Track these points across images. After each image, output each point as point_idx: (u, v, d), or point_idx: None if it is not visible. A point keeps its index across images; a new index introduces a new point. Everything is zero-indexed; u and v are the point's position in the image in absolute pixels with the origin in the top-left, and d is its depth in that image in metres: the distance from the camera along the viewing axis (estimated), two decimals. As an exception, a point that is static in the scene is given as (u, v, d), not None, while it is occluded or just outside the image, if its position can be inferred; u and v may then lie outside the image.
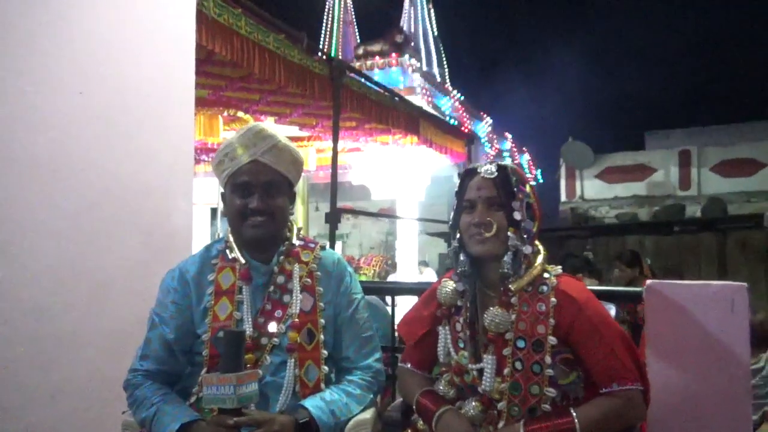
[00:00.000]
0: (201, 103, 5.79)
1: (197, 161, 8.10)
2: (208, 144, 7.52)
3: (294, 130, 7.37)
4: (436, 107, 10.09)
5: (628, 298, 2.23)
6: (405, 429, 1.76)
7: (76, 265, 2.33)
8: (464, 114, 11.18)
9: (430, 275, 10.43)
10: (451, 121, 9.52)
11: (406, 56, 10.06)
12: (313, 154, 8.70)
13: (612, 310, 1.90)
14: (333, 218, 5.04)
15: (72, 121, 2.33)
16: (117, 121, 2.51)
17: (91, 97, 2.40)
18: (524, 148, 14.71)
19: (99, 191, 2.42)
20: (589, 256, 8.19)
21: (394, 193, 9.84)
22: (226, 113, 6.67)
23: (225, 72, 5.03)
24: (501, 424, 1.60)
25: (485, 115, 12.42)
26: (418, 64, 10.45)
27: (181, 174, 2.82)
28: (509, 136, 13.35)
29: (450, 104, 10.85)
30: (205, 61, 4.36)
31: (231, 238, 1.79)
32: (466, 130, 9.79)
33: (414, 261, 9.87)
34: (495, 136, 12.49)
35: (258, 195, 1.70)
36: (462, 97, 11.53)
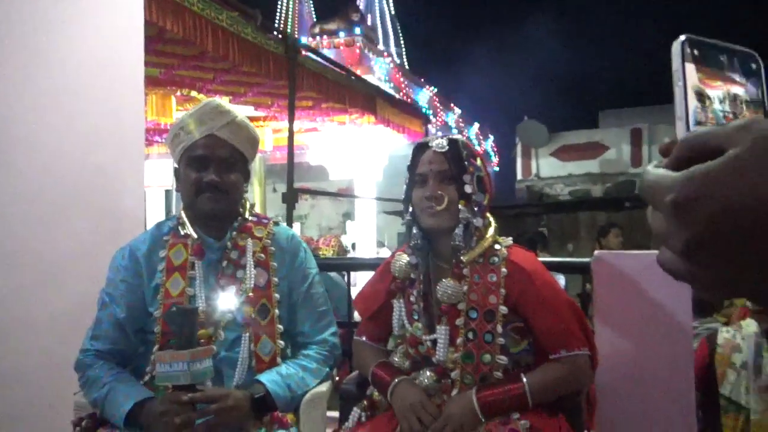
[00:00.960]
0: (153, 82, 5.66)
1: (150, 142, 7.94)
2: (161, 125, 7.37)
3: (249, 110, 7.28)
4: (414, 101, 9.93)
5: (575, 268, 2.29)
6: (361, 401, 1.79)
7: (25, 249, 2.28)
8: (402, 80, 10.95)
9: (386, 255, 10.47)
10: (388, 86, 9.37)
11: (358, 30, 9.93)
12: (270, 134, 8.60)
13: (561, 280, 1.95)
14: (290, 198, 5.02)
15: (15, 100, 2.26)
16: (62, 99, 2.44)
17: (35, 76, 2.33)
18: (488, 133, 14.74)
19: (46, 172, 2.36)
20: (544, 232, 8.36)
21: (352, 173, 9.82)
22: (179, 93, 6.53)
23: (177, 50, 4.92)
24: (454, 393, 1.64)
25: (424, 81, 12.14)
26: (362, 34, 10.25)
27: (131, 154, 2.76)
28: (457, 110, 13.22)
29: (386, 67, 10.56)
30: (155, 38, 4.26)
31: (183, 215, 1.78)
32: (407, 99, 9.71)
33: (372, 241, 9.90)
34: (441, 107, 12.38)
35: (213, 169, 1.69)
36: (399, 62, 11.26)
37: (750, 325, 2.44)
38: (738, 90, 0.50)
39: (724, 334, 2.44)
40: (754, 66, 0.52)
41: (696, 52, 0.49)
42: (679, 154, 0.44)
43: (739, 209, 0.39)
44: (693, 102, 0.48)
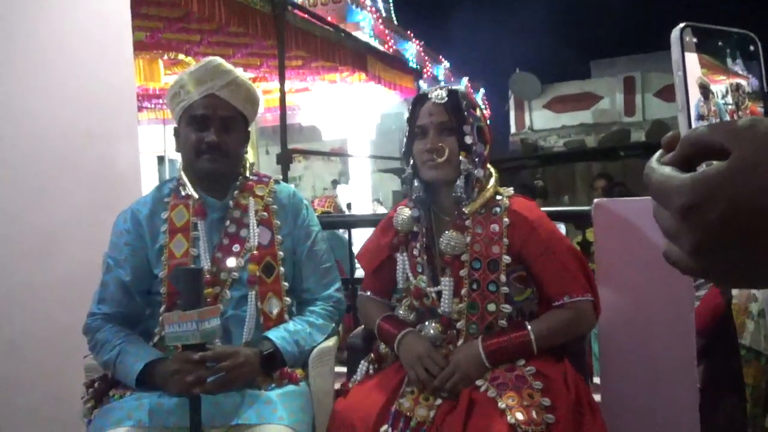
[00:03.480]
0: (139, 46, 5.57)
1: (140, 108, 7.85)
2: (149, 90, 7.28)
3: (240, 73, 7.18)
4: (399, 53, 9.89)
5: (576, 217, 2.30)
6: (368, 354, 1.81)
7: (22, 217, 2.27)
8: (426, 59, 11.03)
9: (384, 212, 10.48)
10: (374, 40, 9.28)
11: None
12: (260, 95, 8.51)
13: (562, 229, 1.96)
14: (284, 159, 4.99)
15: (3, 68, 2.22)
16: (52, 65, 2.40)
17: (23, 42, 2.28)
18: (479, 87, 14.64)
19: (37, 139, 2.34)
20: (539, 184, 8.36)
21: (345, 132, 9.77)
22: (166, 57, 6.44)
23: (162, 12, 4.84)
24: (460, 342, 1.66)
25: (443, 59, 12.26)
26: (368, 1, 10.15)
27: (124, 118, 2.73)
28: (446, 62, 13.19)
29: (414, 50, 10.66)
30: (140, 1, 4.18)
31: (183, 176, 1.77)
32: (428, 75, 9.67)
33: (368, 199, 9.91)
34: (453, 78, 12.39)
35: (214, 129, 1.67)
36: (386, 16, 11.25)
37: None
38: (741, 81, 0.51)
39: None
40: (752, 48, 0.52)
41: (695, 40, 0.49)
42: (683, 152, 0.45)
43: (747, 211, 0.40)
44: (696, 95, 0.48)
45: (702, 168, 0.43)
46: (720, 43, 0.50)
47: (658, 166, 0.46)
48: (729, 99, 0.50)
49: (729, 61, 0.51)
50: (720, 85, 0.50)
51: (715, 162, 0.42)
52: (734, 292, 2.41)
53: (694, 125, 0.48)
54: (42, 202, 2.34)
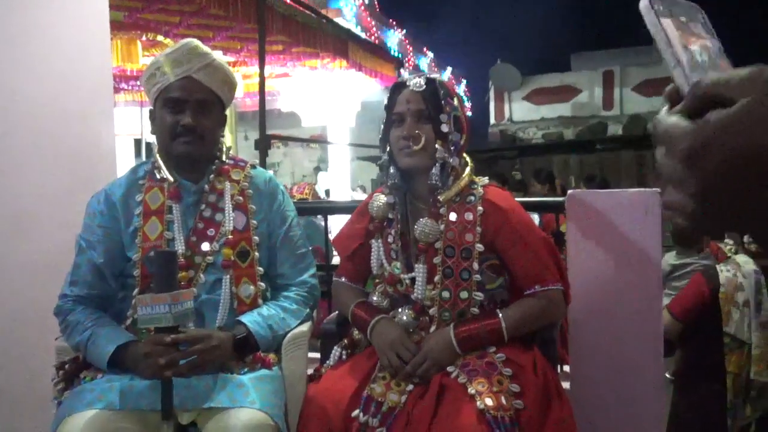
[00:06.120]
0: (117, 26, 5.48)
1: (117, 90, 7.73)
2: (127, 71, 7.18)
3: (218, 55, 7.10)
4: (383, 42, 9.65)
5: (549, 208, 2.34)
6: (341, 340, 1.82)
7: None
8: (370, 20, 10.59)
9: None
10: (356, 26, 9.08)
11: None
12: (240, 80, 8.40)
13: (535, 219, 1.98)
14: (262, 144, 4.95)
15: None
16: (27, 43, 2.36)
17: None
18: (446, 66, 14.40)
19: (13, 118, 2.30)
20: (517, 176, 8.44)
21: (325, 119, 9.71)
22: (144, 37, 6.35)
23: (140, -8, 4.77)
24: (433, 329, 1.68)
25: (394, 23, 11.73)
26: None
27: (101, 98, 2.70)
28: (430, 54, 12.88)
29: (396, 39, 10.25)
30: (117, -21, 4.11)
31: (159, 158, 1.75)
32: (373, 38, 9.42)
33: (346, 187, 9.89)
34: (411, 49, 12.02)
35: (190, 112, 1.66)
36: (368, 2, 10.75)
37: (748, 263, 2.50)
38: (707, 43, 0.52)
39: (725, 273, 2.48)
40: (702, 18, 0.54)
41: (661, 7, 0.51)
42: (691, 103, 0.47)
43: (748, 156, 0.42)
44: (684, 52, 0.50)
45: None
46: (678, 10, 0.52)
47: (666, 116, 0.48)
48: (705, 57, 0.51)
49: (691, 25, 0.52)
50: (695, 46, 0.51)
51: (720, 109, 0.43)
52: (722, 281, 2.47)
53: (691, 78, 0.49)
54: (15, 181, 2.31)
